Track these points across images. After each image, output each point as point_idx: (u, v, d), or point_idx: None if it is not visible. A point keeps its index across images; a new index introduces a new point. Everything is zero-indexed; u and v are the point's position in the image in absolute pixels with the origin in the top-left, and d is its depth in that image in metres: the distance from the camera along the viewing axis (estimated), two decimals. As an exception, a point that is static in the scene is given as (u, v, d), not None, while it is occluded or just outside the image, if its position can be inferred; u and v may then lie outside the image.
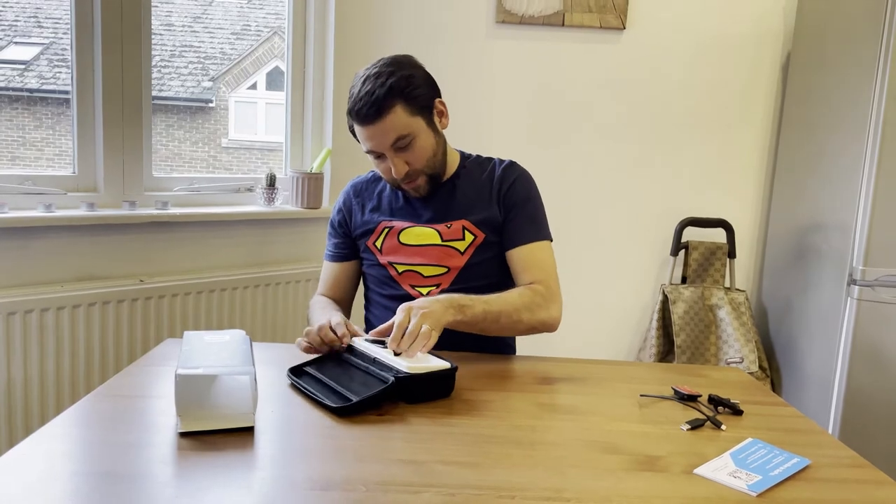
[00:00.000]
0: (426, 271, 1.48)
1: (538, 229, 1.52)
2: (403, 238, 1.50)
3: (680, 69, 2.60)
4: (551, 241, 1.54)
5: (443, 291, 1.46)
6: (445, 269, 1.48)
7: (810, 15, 2.42)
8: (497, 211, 1.50)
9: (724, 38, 2.59)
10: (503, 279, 1.50)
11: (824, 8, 2.33)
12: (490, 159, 1.59)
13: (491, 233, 1.50)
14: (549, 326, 1.44)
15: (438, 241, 1.48)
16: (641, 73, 2.60)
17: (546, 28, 2.56)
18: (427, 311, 1.25)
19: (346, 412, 1.06)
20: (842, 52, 2.19)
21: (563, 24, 2.53)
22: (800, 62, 2.48)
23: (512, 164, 1.57)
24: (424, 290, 1.48)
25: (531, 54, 2.59)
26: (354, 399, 1.07)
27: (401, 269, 1.50)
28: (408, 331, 1.20)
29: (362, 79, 1.40)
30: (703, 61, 2.60)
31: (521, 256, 1.49)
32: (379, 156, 1.44)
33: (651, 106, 2.62)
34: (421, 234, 1.49)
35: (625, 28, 2.55)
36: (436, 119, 1.48)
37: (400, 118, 1.39)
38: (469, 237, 1.48)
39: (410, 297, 1.46)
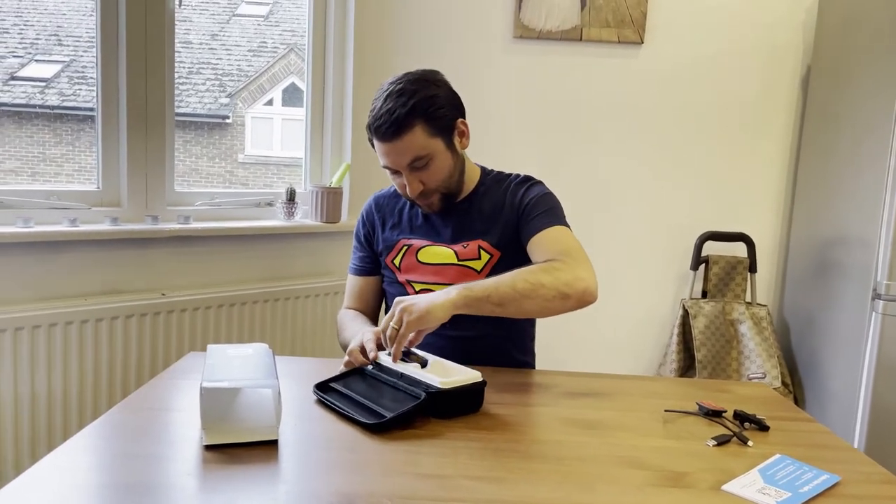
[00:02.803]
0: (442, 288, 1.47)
1: (554, 218, 1.45)
2: (421, 257, 1.50)
3: (699, 83, 2.60)
4: (570, 228, 1.47)
5: None
6: None
7: (830, 28, 2.41)
8: (513, 224, 1.48)
9: (743, 51, 2.58)
10: None
11: (844, 21, 2.32)
12: (508, 175, 1.58)
13: (508, 250, 1.48)
14: (579, 291, 1.28)
15: (454, 261, 1.48)
16: (660, 86, 2.60)
17: (564, 43, 2.56)
18: (408, 304, 1.21)
19: (380, 429, 1.05)
20: (863, 64, 2.18)
21: (580, 39, 2.54)
22: (820, 75, 2.46)
23: (527, 176, 1.56)
24: None
25: (549, 69, 2.59)
26: (388, 415, 1.06)
27: (417, 287, 1.50)
28: (387, 334, 1.21)
29: (385, 94, 1.38)
30: (722, 75, 2.59)
31: (540, 240, 1.42)
32: (395, 171, 1.44)
33: (670, 120, 2.62)
34: (438, 253, 1.49)
35: (643, 42, 2.55)
36: (456, 139, 1.46)
37: (419, 139, 1.37)
38: (485, 256, 1.47)
39: None
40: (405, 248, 1.53)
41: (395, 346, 1.20)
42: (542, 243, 1.41)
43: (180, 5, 2.02)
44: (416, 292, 1.49)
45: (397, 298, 1.25)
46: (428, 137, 1.38)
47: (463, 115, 1.47)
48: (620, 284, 2.67)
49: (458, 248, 1.49)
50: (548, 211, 1.47)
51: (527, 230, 1.46)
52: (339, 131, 2.51)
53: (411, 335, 1.22)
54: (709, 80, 2.59)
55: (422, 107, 1.37)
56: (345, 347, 1.50)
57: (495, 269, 1.47)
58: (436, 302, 1.22)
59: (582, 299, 1.29)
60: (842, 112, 2.29)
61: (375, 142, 1.42)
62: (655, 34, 2.57)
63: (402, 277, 1.52)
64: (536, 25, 2.54)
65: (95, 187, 1.95)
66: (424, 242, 1.52)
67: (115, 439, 0.98)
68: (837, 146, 2.31)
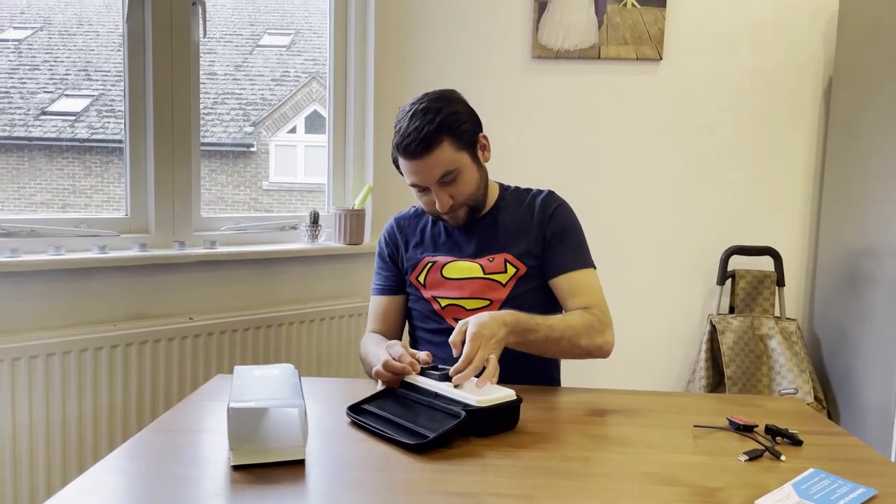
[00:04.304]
0: (468, 304, 1.48)
1: (583, 257, 1.52)
2: (446, 272, 1.51)
3: (719, 98, 2.59)
4: (595, 268, 1.53)
5: None
6: (488, 302, 1.48)
7: (851, 39, 2.40)
8: (538, 241, 1.51)
9: (762, 65, 2.57)
10: (547, 309, 1.49)
11: (865, 32, 2.30)
12: (528, 190, 1.60)
13: (533, 264, 1.50)
14: (604, 353, 1.43)
15: (480, 275, 1.49)
16: (680, 102, 2.59)
17: (582, 62, 2.57)
18: (487, 334, 1.24)
19: (423, 449, 1.05)
20: (886, 74, 2.15)
21: (598, 58, 2.55)
22: (842, 87, 2.44)
23: (550, 193, 1.57)
24: None
25: (568, 88, 2.60)
26: (430, 435, 1.05)
27: (444, 302, 1.51)
28: (472, 365, 1.19)
29: (409, 114, 1.41)
30: (743, 89, 2.58)
31: (570, 282, 1.48)
32: (423, 189, 1.46)
33: (691, 135, 2.61)
34: (463, 268, 1.50)
35: (661, 59, 2.55)
36: (479, 153, 1.50)
37: (447, 154, 1.41)
38: (511, 269, 1.49)
39: (452, 329, 1.46)
40: (429, 264, 1.54)
41: (482, 377, 1.19)
42: (574, 289, 1.48)
43: (204, 36, 2.06)
44: (443, 308, 1.50)
45: (460, 323, 1.26)
46: (455, 152, 1.42)
47: (482, 130, 1.51)
48: (646, 301, 2.65)
49: (483, 261, 1.50)
50: (578, 247, 1.52)
51: (554, 262, 1.50)
52: (361, 154, 2.54)
53: (496, 367, 1.22)
54: (729, 94, 2.58)
55: (447, 123, 1.40)
56: (370, 373, 1.49)
57: (520, 282, 1.49)
58: (499, 329, 1.28)
59: (599, 356, 1.43)
60: (866, 122, 2.27)
61: (403, 161, 1.44)
62: (674, 50, 2.57)
63: (427, 294, 1.53)
64: (554, 45, 2.55)
65: (124, 214, 1.99)
66: (448, 258, 1.53)
67: (144, 461, 0.99)
68: (863, 156, 2.28)
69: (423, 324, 1.55)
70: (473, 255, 1.52)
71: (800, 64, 2.57)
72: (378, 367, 1.30)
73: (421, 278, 1.54)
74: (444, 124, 1.40)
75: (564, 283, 1.49)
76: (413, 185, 1.47)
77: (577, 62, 2.58)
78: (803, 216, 2.63)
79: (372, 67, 2.50)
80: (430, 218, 1.60)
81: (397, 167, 1.49)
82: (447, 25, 2.59)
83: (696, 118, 2.60)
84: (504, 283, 1.48)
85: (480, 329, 1.24)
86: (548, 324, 1.36)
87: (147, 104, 1.98)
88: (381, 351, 1.34)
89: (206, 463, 0.99)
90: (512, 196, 1.58)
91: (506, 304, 1.47)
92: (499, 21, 2.58)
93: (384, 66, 2.53)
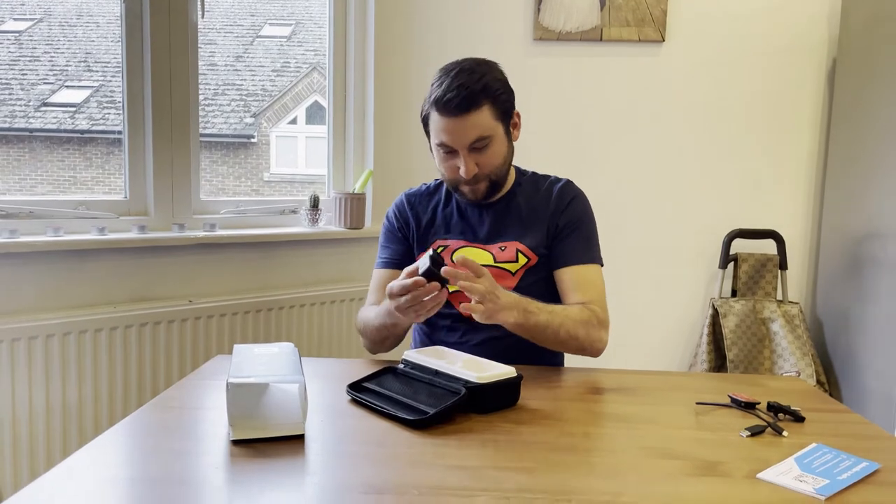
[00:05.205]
0: None
1: (591, 252, 1.49)
2: (456, 258, 1.48)
3: (722, 79, 2.57)
4: (602, 265, 1.51)
5: None
6: None
7: (856, 20, 2.38)
8: (550, 230, 1.49)
9: (765, 46, 2.55)
10: (551, 300, 1.47)
11: (870, 12, 2.28)
12: (546, 177, 1.57)
13: (543, 255, 1.48)
14: (597, 350, 1.43)
15: (491, 263, 1.47)
16: (683, 84, 2.58)
17: (584, 44, 2.56)
18: (498, 296, 1.25)
19: (423, 425, 1.04)
20: (889, 57, 2.14)
21: (601, 39, 2.53)
22: (846, 68, 2.42)
23: (568, 182, 1.55)
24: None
25: (570, 70, 2.59)
26: (430, 411, 1.05)
27: (452, 288, 1.47)
28: (476, 285, 1.21)
29: (454, 72, 1.37)
30: (746, 70, 2.56)
31: (573, 276, 1.46)
32: (450, 151, 1.41)
33: (693, 117, 2.59)
34: (475, 255, 1.47)
35: (664, 40, 2.53)
36: (511, 129, 1.47)
37: (485, 118, 1.37)
38: (522, 259, 1.47)
39: (459, 316, 1.45)
40: (441, 248, 1.51)
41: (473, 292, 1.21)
42: (577, 283, 1.46)
43: (202, 17, 2.04)
44: (450, 293, 1.46)
45: (488, 274, 1.26)
46: (492, 119, 1.39)
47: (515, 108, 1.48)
48: (648, 285, 2.64)
49: (495, 250, 1.48)
50: (587, 241, 1.50)
51: (561, 253, 1.48)
52: (361, 141, 2.53)
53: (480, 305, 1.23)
54: (732, 75, 2.57)
55: (492, 87, 1.37)
56: (371, 343, 1.49)
57: (528, 272, 1.47)
58: (507, 319, 1.28)
59: (591, 354, 1.43)
60: (870, 104, 2.25)
61: (438, 118, 1.38)
62: (677, 31, 2.55)
63: None
64: (556, 27, 2.53)
65: (123, 197, 1.98)
66: (460, 243, 1.50)
67: (145, 436, 0.99)
68: (867, 139, 2.26)
69: None
70: (486, 240, 1.50)
71: (803, 45, 2.55)
72: (389, 307, 1.29)
73: None
74: (488, 88, 1.36)
75: (568, 276, 1.47)
76: (440, 146, 1.41)
77: (578, 44, 2.56)
78: (806, 199, 2.62)
79: (372, 51, 2.48)
80: (443, 197, 1.57)
81: (425, 127, 1.44)
82: (448, 7, 2.57)
83: (698, 100, 2.58)
84: (514, 272, 1.47)
85: (498, 292, 1.26)
86: (548, 309, 1.35)
87: (146, 86, 1.96)
88: (381, 306, 1.33)
89: (206, 438, 0.99)
90: (529, 182, 1.55)
91: (513, 291, 1.45)
92: (500, 3, 2.56)
93: (384, 49, 2.52)
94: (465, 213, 1.53)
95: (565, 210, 1.49)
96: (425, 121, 1.43)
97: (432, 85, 1.40)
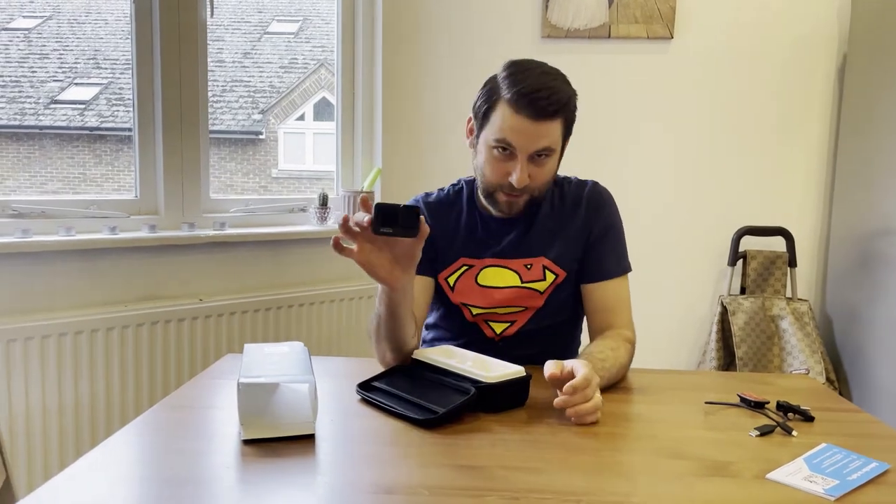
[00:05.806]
0: (502, 311, 1.41)
1: (620, 261, 1.42)
2: (482, 279, 1.41)
3: (731, 76, 2.56)
4: (630, 270, 1.44)
5: (519, 328, 1.41)
6: (523, 308, 1.40)
7: (865, 16, 2.36)
8: (583, 239, 1.41)
9: (775, 42, 2.54)
10: (576, 312, 1.45)
11: (879, 9, 2.27)
12: (568, 180, 1.47)
13: (571, 269, 1.41)
14: (619, 377, 1.33)
15: (518, 283, 1.39)
16: (692, 81, 2.57)
17: (592, 41, 2.55)
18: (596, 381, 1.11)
19: (433, 424, 1.05)
20: (901, 51, 2.12)
21: (609, 36, 2.52)
22: (857, 64, 2.41)
23: (595, 185, 1.46)
24: (498, 328, 1.42)
25: (578, 68, 2.55)
26: (440, 411, 1.05)
27: (475, 311, 1.41)
28: (584, 392, 1.07)
29: (540, 71, 1.28)
30: (755, 67, 2.55)
31: (604, 295, 1.39)
32: (508, 152, 1.28)
33: (703, 114, 2.58)
34: (500, 275, 1.40)
35: (673, 37, 2.53)
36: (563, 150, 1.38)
37: (556, 130, 1.28)
38: (550, 277, 1.39)
39: (480, 330, 1.42)
40: (464, 268, 1.41)
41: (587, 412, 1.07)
42: (607, 304, 1.39)
43: (212, 15, 2.05)
44: (474, 316, 1.42)
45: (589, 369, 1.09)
46: (560, 134, 1.30)
47: None
48: (657, 282, 2.63)
49: (521, 268, 1.39)
50: (617, 249, 1.42)
51: (593, 266, 1.40)
52: (370, 138, 2.53)
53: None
54: (742, 72, 2.55)
55: (573, 102, 1.30)
56: (377, 344, 1.43)
57: (557, 289, 1.40)
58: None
59: None
60: (881, 100, 2.24)
61: (510, 113, 1.25)
62: (685, 28, 2.54)
63: (455, 299, 1.42)
64: (564, 24, 2.53)
65: (133, 196, 1.99)
66: (486, 262, 1.41)
67: (156, 435, 1.00)
68: (877, 135, 2.25)
69: (448, 318, 1.47)
70: (510, 254, 1.40)
71: (813, 41, 2.53)
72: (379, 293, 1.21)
73: (451, 280, 1.42)
74: (571, 101, 1.29)
75: (599, 295, 1.39)
76: (499, 143, 1.27)
77: (587, 41, 2.55)
78: (816, 196, 2.61)
79: (380, 47, 2.49)
80: (466, 206, 1.45)
81: (480, 118, 1.32)
82: (456, 4, 2.56)
83: (706, 97, 2.57)
84: (542, 290, 1.40)
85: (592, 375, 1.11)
86: (606, 366, 1.23)
87: (155, 85, 1.98)
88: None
89: (217, 437, 0.99)
90: (556, 189, 1.45)
91: (540, 310, 1.40)
92: (508, 1, 2.56)
93: (393, 43, 2.52)
94: (488, 226, 1.42)
95: (598, 217, 1.41)
96: (484, 112, 1.30)
97: (503, 77, 1.29)
